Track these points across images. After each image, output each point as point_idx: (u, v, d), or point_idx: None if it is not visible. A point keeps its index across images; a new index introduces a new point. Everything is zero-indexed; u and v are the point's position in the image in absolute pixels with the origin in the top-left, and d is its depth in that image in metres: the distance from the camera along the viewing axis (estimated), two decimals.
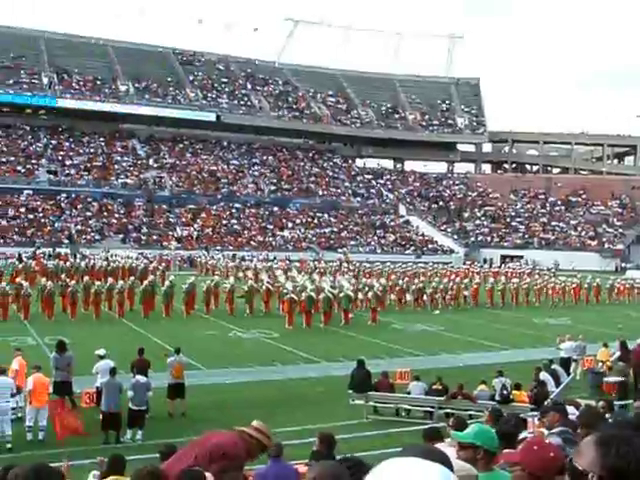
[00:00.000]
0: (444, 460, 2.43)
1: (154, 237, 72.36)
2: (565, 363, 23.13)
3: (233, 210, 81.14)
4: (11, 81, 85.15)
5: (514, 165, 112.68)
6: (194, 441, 5.49)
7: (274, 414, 17.96)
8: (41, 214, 72.19)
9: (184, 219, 77.59)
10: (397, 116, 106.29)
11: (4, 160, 78.64)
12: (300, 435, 14.48)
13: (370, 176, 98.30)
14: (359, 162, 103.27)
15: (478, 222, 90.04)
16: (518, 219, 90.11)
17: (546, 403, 14.52)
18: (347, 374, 19.36)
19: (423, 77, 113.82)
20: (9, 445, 15.10)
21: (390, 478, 2.23)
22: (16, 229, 68.58)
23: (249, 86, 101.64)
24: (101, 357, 18.14)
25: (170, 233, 73.98)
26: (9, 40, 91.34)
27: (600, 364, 23.07)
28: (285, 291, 35.15)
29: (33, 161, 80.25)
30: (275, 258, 64.69)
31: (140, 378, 16.29)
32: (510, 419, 7.63)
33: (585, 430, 6.10)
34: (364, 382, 18.19)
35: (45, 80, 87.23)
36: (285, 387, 21.09)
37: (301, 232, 79.96)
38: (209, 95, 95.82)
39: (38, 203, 73.59)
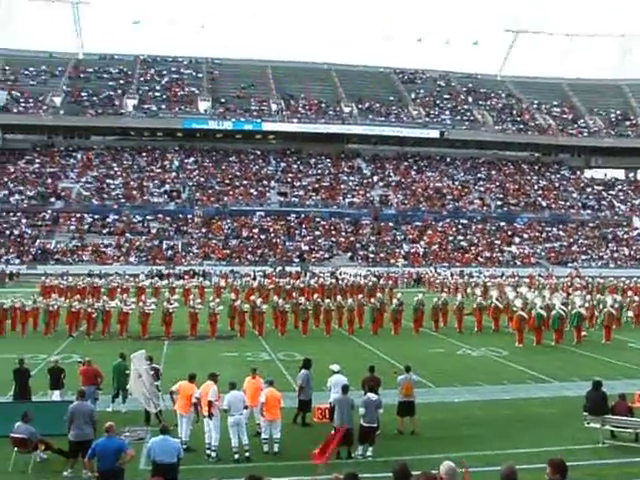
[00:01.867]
0: None
1: (381, 255, 73.42)
2: None
3: (459, 226, 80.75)
4: (242, 110, 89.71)
5: None
6: None
7: (505, 434, 17.72)
8: (272, 234, 75.39)
9: (410, 236, 78.11)
10: (628, 123, 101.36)
11: (237, 184, 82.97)
12: (530, 459, 14.10)
13: (600, 187, 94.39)
14: (588, 173, 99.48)
15: None
16: None
17: None
18: (580, 395, 18.62)
19: None
20: (247, 454, 15.84)
21: None
22: (249, 249, 72.05)
23: (471, 101, 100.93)
24: (334, 372, 18.55)
25: (397, 250, 74.74)
26: (239, 71, 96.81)
27: None
28: (514, 308, 34.47)
29: (264, 183, 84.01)
30: (503, 274, 63.56)
31: (371, 395, 16.51)
32: None
33: None
34: (600, 404, 17.38)
35: (273, 107, 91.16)
36: (515, 407, 20.58)
37: (529, 247, 78.18)
38: (432, 112, 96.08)
39: (270, 224, 77.02)
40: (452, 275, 61.87)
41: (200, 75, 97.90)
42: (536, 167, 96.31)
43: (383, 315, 36.32)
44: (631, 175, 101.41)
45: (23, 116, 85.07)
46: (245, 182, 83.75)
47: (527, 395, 22.16)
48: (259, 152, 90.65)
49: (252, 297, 38.91)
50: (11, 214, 74.81)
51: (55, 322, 34.71)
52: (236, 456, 15.76)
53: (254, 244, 73.28)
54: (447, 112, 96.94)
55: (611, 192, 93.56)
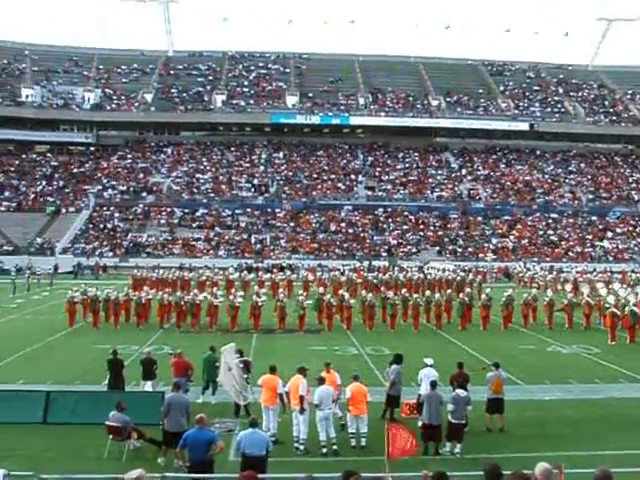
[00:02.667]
0: None
1: (469, 249, 72.74)
2: None
3: (549, 220, 79.32)
4: (330, 104, 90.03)
5: None
6: None
7: (596, 435, 17.38)
8: (360, 228, 75.48)
9: (499, 230, 77.13)
10: None
11: (326, 178, 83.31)
12: (623, 462, 13.74)
13: None
14: None
15: None
16: None
17: None
18: None
19: None
20: (335, 447, 15.96)
21: None
22: (337, 243, 72.29)
23: (562, 92, 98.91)
24: (427, 365, 18.47)
25: (485, 245, 73.94)
26: (326, 66, 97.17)
27: None
28: (607, 305, 33.75)
29: (352, 177, 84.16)
30: (595, 270, 62.19)
31: (460, 392, 16.44)
32: None
33: None
34: None
35: (361, 100, 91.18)
36: (607, 407, 20.14)
37: (622, 242, 76.26)
38: (521, 104, 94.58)
39: (357, 218, 77.13)
40: (542, 270, 60.83)
41: (288, 70, 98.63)
42: (629, 160, 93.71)
43: (472, 310, 36.02)
44: None
45: (116, 113, 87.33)
46: (333, 176, 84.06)
47: (620, 395, 21.68)
48: (347, 146, 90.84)
49: (340, 291, 39.06)
50: (104, 208, 76.87)
51: (147, 314, 35.51)
52: (324, 450, 15.90)
53: (342, 238, 73.50)
54: (537, 104, 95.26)
55: None
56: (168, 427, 14.88)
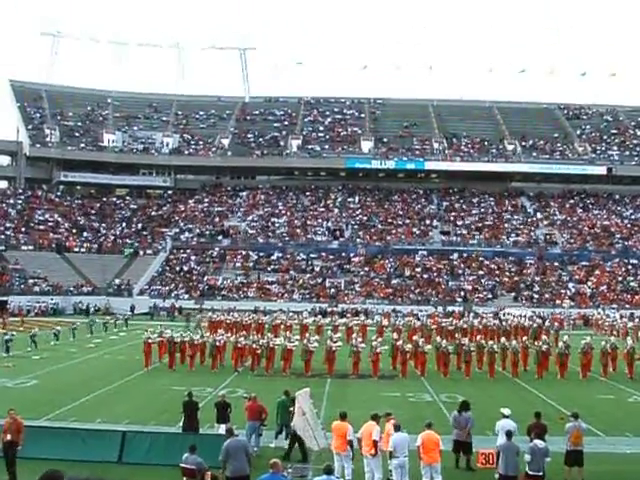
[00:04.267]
0: None
1: (546, 295, 71.58)
2: None
3: (629, 266, 77.61)
4: (404, 149, 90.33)
5: None
6: None
7: None
8: (435, 273, 75.05)
9: (577, 276, 75.79)
10: None
11: (400, 223, 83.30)
12: None
13: None
14: None
15: None
16: None
17: None
18: None
19: None
20: None
21: None
22: (412, 288, 71.98)
23: None
24: (504, 416, 18.20)
25: (562, 291, 72.67)
26: (401, 111, 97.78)
27: None
28: None
29: (427, 222, 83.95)
30: None
31: (538, 443, 16.11)
32: None
33: None
34: None
35: (436, 145, 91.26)
36: None
37: None
38: (598, 148, 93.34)
39: (432, 263, 76.74)
40: (621, 317, 59.42)
41: (362, 115, 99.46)
42: None
43: (548, 358, 35.34)
44: None
45: (193, 157, 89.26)
46: (407, 221, 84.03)
47: None
48: (421, 191, 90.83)
49: (415, 337, 38.81)
50: (181, 251, 78.16)
51: (221, 357, 35.81)
52: None
53: (416, 283, 73.17)
54: (614, 147, 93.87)
55: None
56: (230, 473, 14.83)
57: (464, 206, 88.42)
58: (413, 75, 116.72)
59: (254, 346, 35.24)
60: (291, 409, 19.44)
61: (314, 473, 15.64)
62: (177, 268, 75.41)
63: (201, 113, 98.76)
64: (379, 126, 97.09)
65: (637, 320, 57.22)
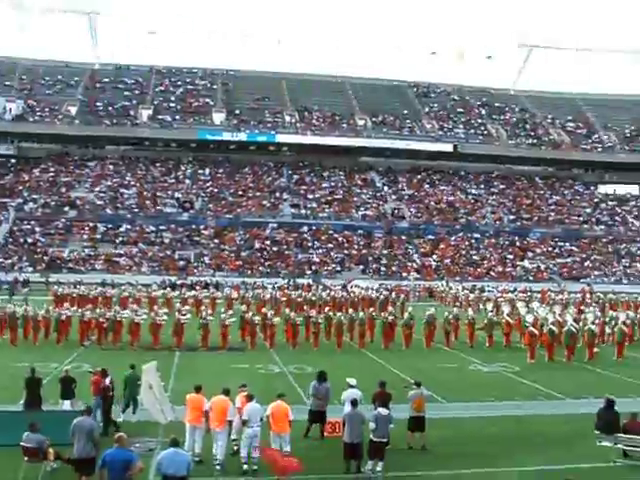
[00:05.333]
0: None
1: (393, 268, 73.32)
2: None
3: (472, 240, 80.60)
4: (256, 121, 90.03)
5: None
6: None
7: (515, 452, 17.65)
8: (285, 246, 75.43)
9: (423, 250, 78.01)
10: None
11: (251, 195, 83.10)
12: (540, 478, 14.00)
13: (614, 202, 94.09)
14: (602, 188, 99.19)
15: None
16: None
17: None
18: (591, 412, 18.49)
19: None
20: (255, 467, 15.85)
21: None
22: (261, 261, 72.13)
23: (485, 115, 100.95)
24: (351, 386, 18.52)
25: (409, 264, 74.64)
26: (254, 83, 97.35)
27: None
28: (526, 324, 34.37)
29: (277, 195, 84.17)
30: (516, 289, 63.36)
31: (382, 410, 16.46)
32: None
33: None
34: (612, 423, 17.27)
35: (287, 118, 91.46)
36: (527, 424, 20.48)
37: (542, 262, 77.98)
38: (445, 126, 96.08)
39: (282, 236, 77.02)
40: (464, 289, 61.67)
41: (215, 86, 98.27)
42: (549, 182, 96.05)
43: (394, 329, 36.25)
44: None
45: (39, 125, 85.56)
46: (258, 194, 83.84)
47: (539, 412, 22.06)
48: (272, 164, 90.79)
49: (264, 309, 38.96)
50: (25, 222, 75.17)
51: (67, 331, 34.80)
52: (245, 467, 15.77)
53: (266, 256, 73.34)
54: (460, 126, 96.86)
55: (625, 208, 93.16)
56: (74, 454, 14.36)
57: (314, 180, 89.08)
58: (265, 48, 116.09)
59: (100, 320, 34.46)
60: (139, 382, 19.12)
61: (162, 447, 15.39)
62: (21, 240, 72.48)
63: (47, 79, 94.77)
64: (231, 98, 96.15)
65: (478, 292, 59.57)
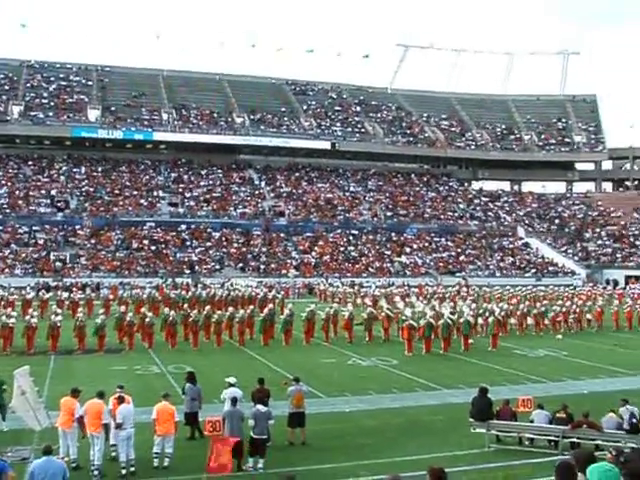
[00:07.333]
0: None
1: (272, 265, 73.44)
2: None
3: (350, 237, 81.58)
4: (133, 119, 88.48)
5: (636, 182, 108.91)
6: None
7: (394, 443, 17.94)
8: (163, 245, 74.45)
9: (302, 247, 78.44)
10: (512, 137, 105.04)
11: (128, 194, 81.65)
12: (417, 466, 14.24)
13: (487, 198, 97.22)
14: (475, 185, 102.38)
15: (600, 242, 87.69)
16: None
17: None
18: (467, 401, 19.03)
19: (537, 96, 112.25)
20: (133, 469, 15.49)
21: None
22: (139, 260, 70.94)
23: (362, 113, 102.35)
24: (231, 385, 18.44)
25: (288, 261, 74.92)
26: (130, 80, 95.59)
27: None
28: (404, 317, 34.97)
29: (155, 194, 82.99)
30: (393, 284, 64.51)
31: (261, 407, 16.47)
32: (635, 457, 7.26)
33: None
34: (485, 410, 17.82)
35: (165, 116, 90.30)
36: (404, 415, 20.86)
37: (419, 257, 79.66)
38: (323, 124, 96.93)
39: (160, 235, 75.99)
40: (343, 285, 62.39)
41: (90, 83, 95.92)
42: (425, 179, 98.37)
43: (274, 326, 36.33)
44: (516, 187, 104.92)
45: None
46: (135, 192, 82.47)
47: (416, 403, 22.52)
48: (149, 162, 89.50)
49: (142, 309, 38.34)
50: None
51: None
52: (123, 471, 15.42)
53: (144, 255, 72.17)
54: (338, 124, 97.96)
55: (497, 203, 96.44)
56: None
57: (192, 178, 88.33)
58: (143, 43, 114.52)
59: None
60: (4, 387, 18.50)
61: (36, 455, 14.88)
62: None
63: None
64: (107, 95, 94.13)
65: (357, 287, 60.37)
